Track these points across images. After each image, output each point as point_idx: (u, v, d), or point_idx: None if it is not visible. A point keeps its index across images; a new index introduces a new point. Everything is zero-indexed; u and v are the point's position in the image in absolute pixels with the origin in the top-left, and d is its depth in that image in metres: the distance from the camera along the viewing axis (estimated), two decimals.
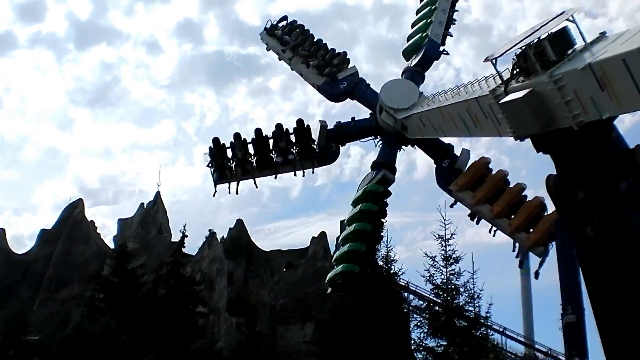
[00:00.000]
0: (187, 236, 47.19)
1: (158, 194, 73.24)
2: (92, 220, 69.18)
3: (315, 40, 24.70)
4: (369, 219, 19.72)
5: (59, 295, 59.14)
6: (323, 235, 63.37)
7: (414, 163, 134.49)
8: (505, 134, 12.76)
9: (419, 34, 22.96)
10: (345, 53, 23.76)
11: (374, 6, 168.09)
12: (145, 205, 72.05)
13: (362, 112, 22.76)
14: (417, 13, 23.97)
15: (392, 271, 38.56)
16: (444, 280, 35.36)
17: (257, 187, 22.95)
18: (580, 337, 14.05)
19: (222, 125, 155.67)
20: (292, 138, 22.19)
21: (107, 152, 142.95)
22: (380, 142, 21.76)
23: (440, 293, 35.77)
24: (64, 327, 44.25)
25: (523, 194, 19.12)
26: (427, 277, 35.70)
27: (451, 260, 35.39)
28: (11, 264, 64.18)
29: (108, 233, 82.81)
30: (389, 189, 20.70)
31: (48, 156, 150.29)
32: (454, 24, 23.81)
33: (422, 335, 35.92)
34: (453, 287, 35.25)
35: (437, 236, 35.58)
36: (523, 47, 11.77)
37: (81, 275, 58.14)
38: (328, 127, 22.30)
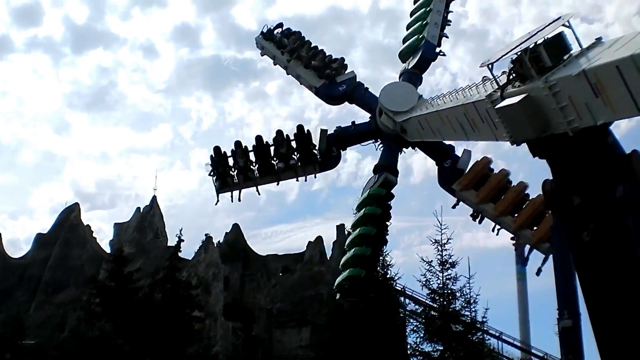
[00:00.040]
0: (183, 240, 47.15)
1: (154, 198, 73.40)
2: (88, 224, 69.41)
3: (312, 46, 24.74)
4: (373, 222, 19.70)
5: (55, 299, 59.12)
6: (319, 239, 63.55)
7: (410, 168, 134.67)
8: (502, 138, 12.77)
9: (415, 36, 22.95)
10: (342, 59, 23.79)
11: (370, 11, 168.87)
12: (141, 210, 72.12)
13: (359, 117, 22.75)
14: (411, 15, 23.95)
15: (388, 276, 38.59)
16: (440, 285, 35.42)
17: (259, 194, 22.98)
18: (576, 341, 14.04)
19: (219, 130, 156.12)
20: (293, 144, 22.17)
21: (103, 156, 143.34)
22: (381, 145, 21.75)
23: (437, 298, 35.81)
24: (60, 330, 44.29)
25: (526, 192, 19.19)
26: (424, 282, 35.79)
27: (447, 265, 35.46)
28: (7, 267, 64.13)
29: (104, 237, 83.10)
30: (391, 191, 20.70)
31: (45, 160, 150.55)
32: (449, 25, 23.81)
33: (418, 340, 36.00)
34: (449, 291, 35.30)
35: (434, 241, 35.68)
36: (519, 53, 11.81)
37: (77, 279, 58.15)
38: (328, 132, 22.30)
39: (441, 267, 35.47)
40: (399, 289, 45.04)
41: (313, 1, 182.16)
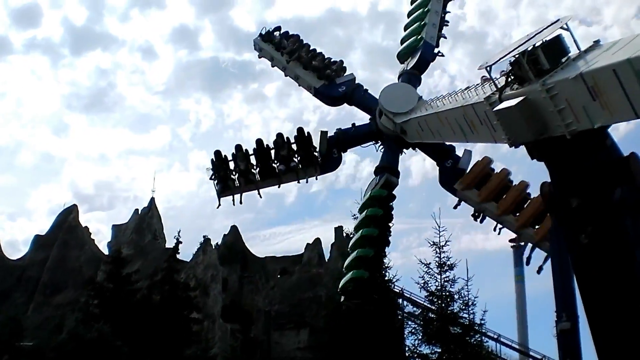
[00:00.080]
0: (181, 242, 47.22)
1: (153, 200, 73.38)
2: (86, 226, 69.32)
3: (311, 49, 24.77)
4: (375, 223, 19.69)
5: (53, 300, 59.07)
6: (318, 241, 63.53)
7: (408, 170, 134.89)
8: (500, 140, 12.78)
9: (414, 37, 22.95)
10: (342, 62, 23.81)
11: (369, 13, 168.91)
12: (140, 211, 72.10)
13: (357, 119, 22.75)
14: (408, 15, 23.93)
15: (386, 278, 38.60)
16: (439, 287, 35.50)
17: (260, 196, 22.98)
18: (574, 344, 14.03)
19: (218, 131, 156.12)
20: (293, 147, 22.18)
21: (102, 158, 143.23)
22: (382, 146, 21.76)
23: (435, 300, 35.91)
24: (58, 332, 44.26)
25: (527, 191, 19.23)
26: (422, 284, 35.86)
27: (445, 267, 35.55)
28: (5, 269, 64.05)
29: (103, 239, 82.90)
30: (393, 192, 20.71)
31: (43, 161, 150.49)
32: (447, 25, 23.81)
33: (416, 342, 36.12)
34: (447, 293, 35.38)
35: (432, 243, 35.77)
36: (517, 55, 11.82)
37: (76, 281, 58.12)
38: (328, 134, 22.31)
39: (439, 269, 35.57)
40: (397, 291, 45.09)
41: (312, 3, 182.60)
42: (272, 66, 25.61)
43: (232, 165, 22.54)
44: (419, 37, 22.75)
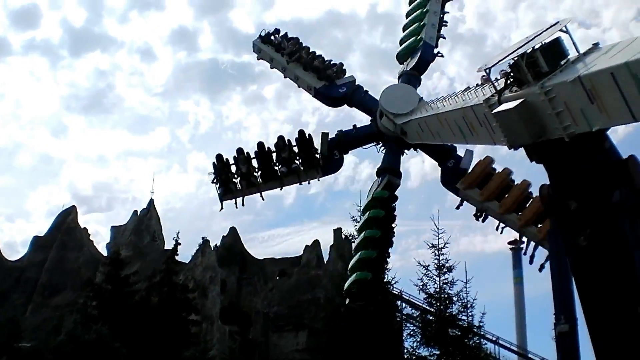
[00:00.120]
0: (180, 244, 47.05)
1: (151, 201, 73.30)
2: (85, 227, 69.10)
3: (310, 51, 24.78)
4: (377, 225, 19.73)
5: (51, 302, 58.94)
6: (316, 243, 63.39)
7: (407, 172, 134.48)
8: (499, 142, 12.82)
9: (413, 37, 22.96)
10: (341, 64, 23.82)
11: (368, 15, 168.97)
12: (138, 213, 72.01)
13: (356, 121, 22.80)
14: (407, 16, 23.93)
15: (385, 279, 38.57)
16: (437, 289, 35.53)
17: (263, 199, 23.02)
18: (573, 346, 14.02)
19: (216, 133, 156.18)
20: (295, 149, 22.18)
21: (101, 159, 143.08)
22: (383, 148, 21.77)
23: (434, 302, 35.92)
24: (56, 333, 44.17)
25: (529, 190, 19.26)
26: (421, 286, 35.90)
27: (444, 269, 35.60)
28: (4, 270, 63.87)
29: (101, 240, 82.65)
30: (395, 193, 20.72)
31: (42, 162, 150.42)
32: (445, 25, 23.83)
33: (415, 344, 36.11)
34: (446, 296, 35.40)
35: (431, 245, 35.80)
36: (516, 58, 11.84)
37: (74, 282, 57.96)
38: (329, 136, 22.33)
39: (438, 271, 35.61)
40: (396, 293, 45.05)
41: (311, 5, 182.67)
42: (272, 68, 25.63)
43: (233, 168, 22.58)
44: (418, 37, 22.77)
